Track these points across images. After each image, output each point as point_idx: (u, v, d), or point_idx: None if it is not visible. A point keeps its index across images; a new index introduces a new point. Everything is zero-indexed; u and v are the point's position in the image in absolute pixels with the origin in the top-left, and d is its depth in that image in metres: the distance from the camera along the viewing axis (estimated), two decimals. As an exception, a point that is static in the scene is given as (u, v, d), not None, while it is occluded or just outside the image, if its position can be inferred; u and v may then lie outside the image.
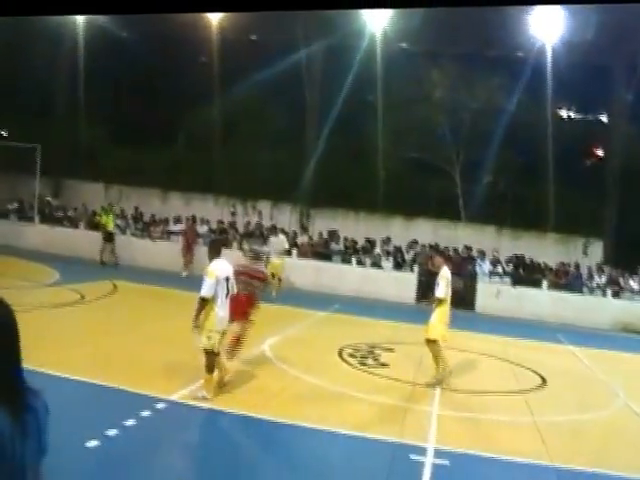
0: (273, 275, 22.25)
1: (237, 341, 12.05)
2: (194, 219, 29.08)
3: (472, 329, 20.76)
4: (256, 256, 13.20)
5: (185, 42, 33.77)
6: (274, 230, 24.25)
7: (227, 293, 10.48)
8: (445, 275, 13.37)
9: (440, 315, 13.19)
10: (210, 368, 10.38)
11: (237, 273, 11.49)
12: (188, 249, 27.05)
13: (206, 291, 10.27)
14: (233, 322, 11.36)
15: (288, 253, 24.02)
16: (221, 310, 10.37)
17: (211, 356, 10.37)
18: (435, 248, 27.68)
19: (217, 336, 10.34)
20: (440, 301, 13.18)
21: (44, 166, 31.06)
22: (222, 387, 10.80)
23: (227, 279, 10.51)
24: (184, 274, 25.45)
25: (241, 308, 11.66)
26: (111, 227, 27.89)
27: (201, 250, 26.76)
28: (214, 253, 10.85)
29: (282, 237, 23.88)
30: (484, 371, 15.70)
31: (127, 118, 34.71)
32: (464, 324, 21.26)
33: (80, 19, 34.36)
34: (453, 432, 10.28)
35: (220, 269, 10.52)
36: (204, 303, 10.27)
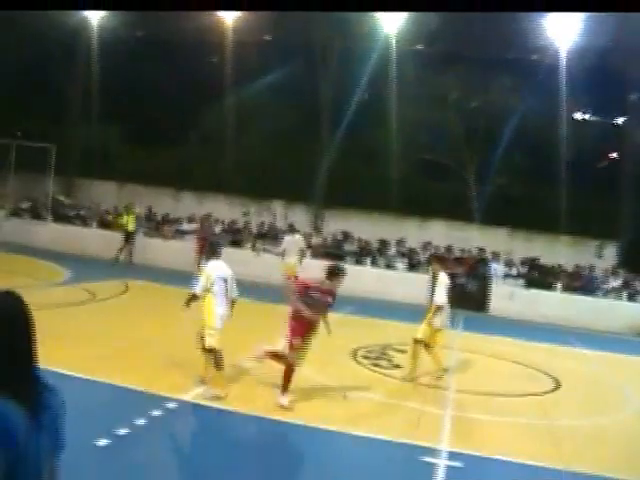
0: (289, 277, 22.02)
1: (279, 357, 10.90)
2: (208, 218, 29.06)
3: (485, 331, 20.72)
4: (338, 272, 11.35)
5: (198, 42, 33.89)
6: (291, 229, 23.89)
7: (225, 292, 10.78)
8: (444, 281, 13.39)
9: (430, 318, 13.27)
10: (218, 365, 10.59)
11: (308, 288, 11.13)
12: (202, 248, 26.96)
13: (198, 288, 10.76)
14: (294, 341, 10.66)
15: (303, 253, 23.57)
16: (220, 308, 10.69)
17: (216, 353, 10.58)
18: (448, 250, 27.64)
19: (218, 334, 10.62)
20: (438, 306, 13.21)
21: (57, 166, 31.18)
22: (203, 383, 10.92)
23: (225, 280, 10.82)
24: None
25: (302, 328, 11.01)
26: (131, 227, 27.99)
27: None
28: (212, 254, 11.38)
29: (298, 237, 23.45)
30: (497, 373, 15.64)
31: (140, 118, 34.79)
32: (477, 326, 21.29)
33: (94, 19, 34.51)
34: (466, 434, 10.23)
35: (216, 270, 10.89)
36: (193, 298, 10.81)
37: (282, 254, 22.53)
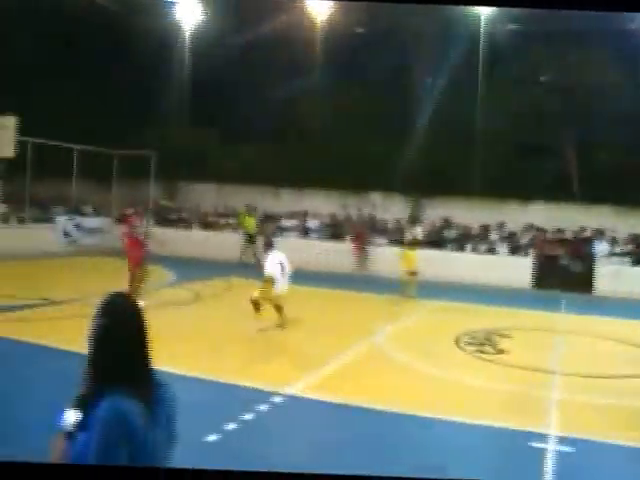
0: (408, 272, 21.77)
1: None
2: (365, 219, 29.26)
3: (591, 312, 20.35)
4: None
5: (292, 40, 33.98)
6: (412, 221, 23.50)
7: (281, 270, 14.95)
8: None
9: None
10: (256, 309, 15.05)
11: None
12: (360, 247, 27.08)
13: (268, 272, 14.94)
14: None
15: (419, 243, 23.21)
16: (278, 283, 14.88)
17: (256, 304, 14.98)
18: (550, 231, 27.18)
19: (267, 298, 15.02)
20: None
21: (158, 170, 31.91)
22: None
23: (281, 263, 15.05)
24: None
25: None
26: (253, 229, 28.44)
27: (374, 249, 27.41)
28: (267, 247, 15.77)
29: (418, 229, 23.19)
30: (605, 355, 15.31)
31: (236, 118, 35.14)
32: (583, 307, 20.94)
33: (183, 24, 35.34)
34: (575, 418, 10.07)
35: (275, 258, 15.07)
36: (268, 279, 14.88)
37: (404, 246, 22.38)
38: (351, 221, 29.45)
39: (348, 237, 28.13)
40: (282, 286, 14.98)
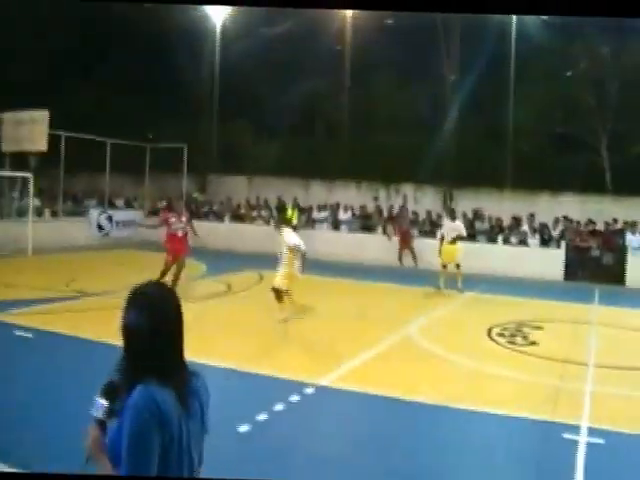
0: (445, 265, 21.64)
1: None
2: (404, 209, 29.17)
3: (623, 304, 20.20)
4: None
5: (320, 32, 33.98)
6: (451, 215, 23.33)
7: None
8: None
9: None
10: (279, 299, 14.36)
11: None
12: (403, 238, 26.94)
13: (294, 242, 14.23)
14: None
15: (462, 239, 22.90)
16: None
17: (279, 293, 14.25)
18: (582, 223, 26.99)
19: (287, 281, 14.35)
20: None
21: (189, 164, 32.10)
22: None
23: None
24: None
25: None
26: (295, 221, 28.47)
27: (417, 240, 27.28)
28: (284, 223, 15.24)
29: (458, 222, 22.96)
30: (637, 347, 15.21)
31: (266, 110, 35.23)
32: (615, 299, 20.79)
33: (218, 18, 35.48)
34: (608, 410, 10.00)
35: (294, 234, 14.64)
36: (294, 248, 14.20)
37: (441, 239, 22.28)
38: (390, 218, 29.23)
39: (392, 236, 27.82)
40: (299, 267, 14.49)
